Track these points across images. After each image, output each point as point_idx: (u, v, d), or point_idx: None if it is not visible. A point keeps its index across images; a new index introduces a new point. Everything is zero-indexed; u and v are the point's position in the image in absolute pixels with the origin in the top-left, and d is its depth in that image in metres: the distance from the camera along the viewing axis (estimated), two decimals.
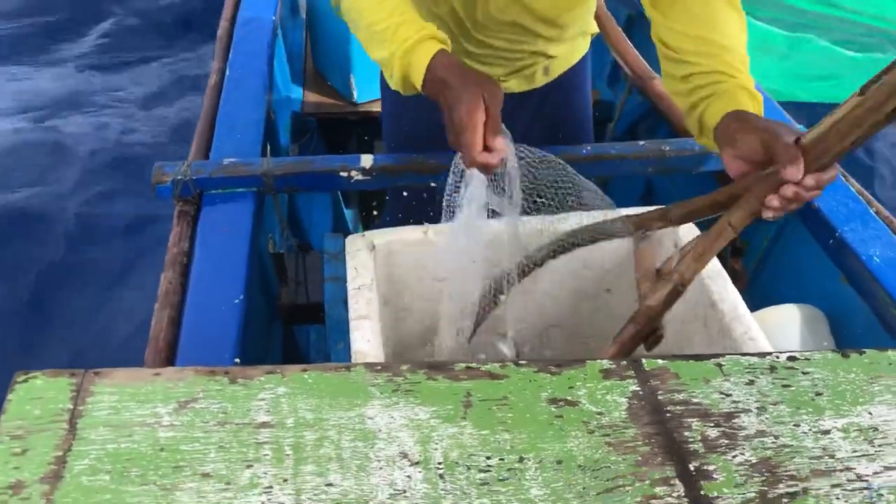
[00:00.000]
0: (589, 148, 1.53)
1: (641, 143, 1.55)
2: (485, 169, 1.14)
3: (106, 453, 0.69)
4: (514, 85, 1.60)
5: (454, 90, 1.12)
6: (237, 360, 1.11)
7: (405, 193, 1.51)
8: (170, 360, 1.11)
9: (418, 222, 1.33)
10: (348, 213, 2.40)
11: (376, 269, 1.29)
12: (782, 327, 1.32)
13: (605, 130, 2.15)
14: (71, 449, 0.69)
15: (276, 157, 1.57)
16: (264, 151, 1.54)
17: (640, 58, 1.98)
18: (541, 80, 1.63)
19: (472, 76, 1.15)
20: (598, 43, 2.18)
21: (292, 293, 1.54)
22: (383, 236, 1.31)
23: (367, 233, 1.31)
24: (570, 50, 1.62)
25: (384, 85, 1.61)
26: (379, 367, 0.81)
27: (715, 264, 1.25)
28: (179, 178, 1.39)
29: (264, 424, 0.73)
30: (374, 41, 1.21)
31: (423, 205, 1.60)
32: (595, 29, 1.66)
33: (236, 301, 1.20)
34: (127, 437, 0.70)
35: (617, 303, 1.47)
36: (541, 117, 1.67)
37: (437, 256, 1.34)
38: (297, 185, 1.45)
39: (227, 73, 1.78)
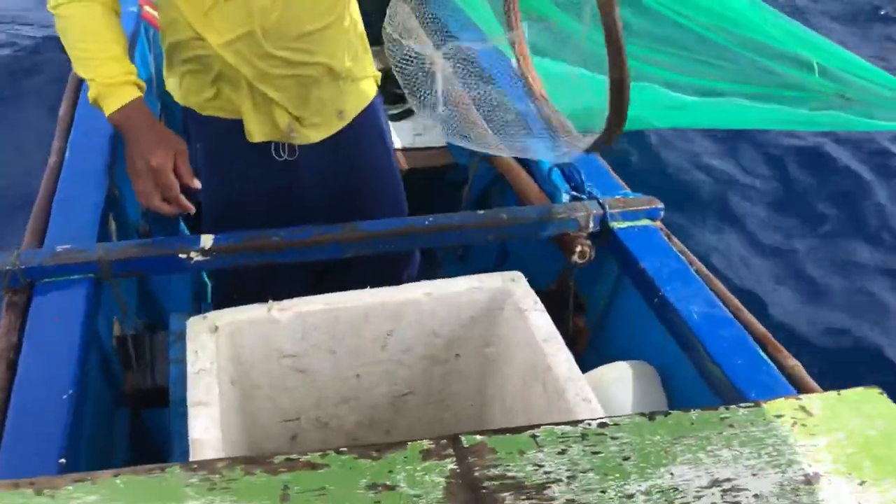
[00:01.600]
0: (431, 218, 1.58)
1: (481, 212, 1.62)
2: (163, 210, 1.40)
3: None
4: (313, 132, 1.63)
5: (150, 137, 1.40)
6: (63, 459, 1.07)
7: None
8: None
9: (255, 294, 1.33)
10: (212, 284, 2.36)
11: (220, 351, 1.28)
12: (617, 384, 1.39)
13: (460, 194, 2.23)
14: None
15: (122, 235, 1.53)
16: (104, 233, 1.51)
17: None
18: (336, 125, 1.66)
19: (166, 131, 1.45)
20: None
21: (138, 377, 1.49)
22: (225, 317, 1.30)
23: (210, 314, 1.30)
24: (356, 89, 1.67)
25: (204, 162, 1.62)
26: (196, 466, 0.80)
27: (550, 329, 1.31)
28: (8, 268, 1.34)
29: None
30: (81, 62, 1.43)
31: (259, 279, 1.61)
32: (376, 73, 1.72)
33: (65, 396, 1.16)
34: None
35: (468, 366, 1.51)
36: (340, 166, 1.70)
37: (283, 333, 1.34)
38: (135, 268, 1.42)
39: (67, 154, 1.74)
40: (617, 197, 1.69)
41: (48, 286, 1.35)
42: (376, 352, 1.43)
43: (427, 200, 2.18)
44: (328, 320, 1.36)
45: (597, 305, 1.72)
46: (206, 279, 2.25)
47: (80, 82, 2.02)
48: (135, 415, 1.58)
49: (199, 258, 1.42)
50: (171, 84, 1.64)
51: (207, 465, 0.80)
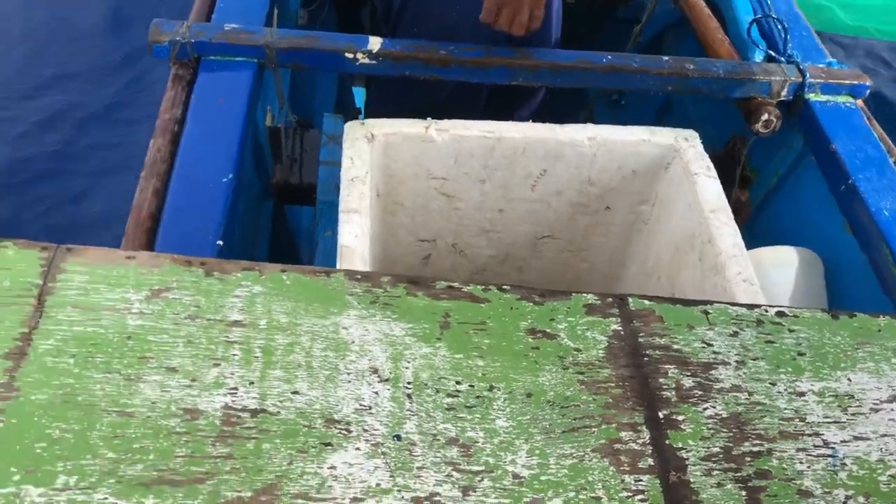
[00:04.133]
0: (609, 57, 1.45)
1: (665, 58, 1.47)
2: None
3: (73, 336, 0.67)
4: None
5: None
6: (220, 242, 1.09)
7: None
8: (152, 233, 1.08)
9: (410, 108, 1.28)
10: (357, 91, 2.32)
11: (372, 160, 1.25)
12: (777, 270, 1.30)
13: (630, 33, 2.05)
14: (37, 327, 0.67)
15: (282, 23, 1.49)
16: (270, 18, 1.46)
17: None
18: None
19: None
20: None
21: (287, 171, 1.50)
22: (383, 127, 1.26)
23: (368, 121, 1.26)
24: None
25: None
26: (359, 277, 0.79)
27: (720, 199, 1.22)
28: (178, 39, 1.32)
29: (236, 323, 0.72)
30: None
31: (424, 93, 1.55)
32: None
33: (225, 180, 1.16)
34: (95, 322, 0.69)
35: (616, 220, 1.44)
36: None
37: (436, 154, 1.30)
38: (299, 61, 1.38)
39: None
40: (819, 65, 1.51)
41: (214, 64, 1.33)
42: (526, 190, 1.38)
43: (589, 38, 2.03)
44: (484, 148, 1.31)
45: (766, 181, 1.59)
46: (353, 87, 2.21)
47: None
48: (277, 208, 1.60)
49: (366, 60, 1.36)
50: None
51: (372, 278, 0.79)
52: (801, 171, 1.50)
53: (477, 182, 1.36)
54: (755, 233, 1.47)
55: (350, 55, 1.36)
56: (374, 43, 1.37)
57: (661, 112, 2.01)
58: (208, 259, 0.77)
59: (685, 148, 1.30)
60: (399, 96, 1.64)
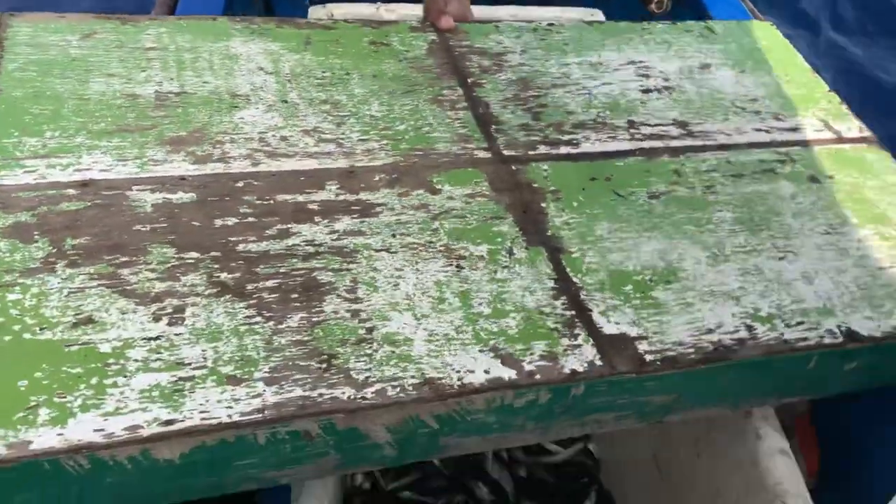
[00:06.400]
0: None
1: None
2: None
3: (30, 60, 0.91)
4: None
5: None
6: None
7: None
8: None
9: None
10: None
11: None
12: None
13: None
14: (2, 56, 0.90)
15: None
16: None
17: None
18: None
19: None
20: None
21: None
22: (340, 8, 1.46)
23: (328, 4, 1.46)
24: None
25: None
26: (238, 19, 1.05)
27: None
28: None
29: (152, 48, 0.97)
30: None
31: None
32: None
33: None
34: (44, 52, 0.92)
35: None
36: None
37: None
38: None
39: None
40: None
41: None
42: None
43: None
44: None
45: None
46: None
47: None
48: None
49: None
50: None
51: (247, 19, 1.05)
52: None
53: None
54: None
55: None
56: None
57: None
58: (122, 15, 1.01)
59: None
60: None
